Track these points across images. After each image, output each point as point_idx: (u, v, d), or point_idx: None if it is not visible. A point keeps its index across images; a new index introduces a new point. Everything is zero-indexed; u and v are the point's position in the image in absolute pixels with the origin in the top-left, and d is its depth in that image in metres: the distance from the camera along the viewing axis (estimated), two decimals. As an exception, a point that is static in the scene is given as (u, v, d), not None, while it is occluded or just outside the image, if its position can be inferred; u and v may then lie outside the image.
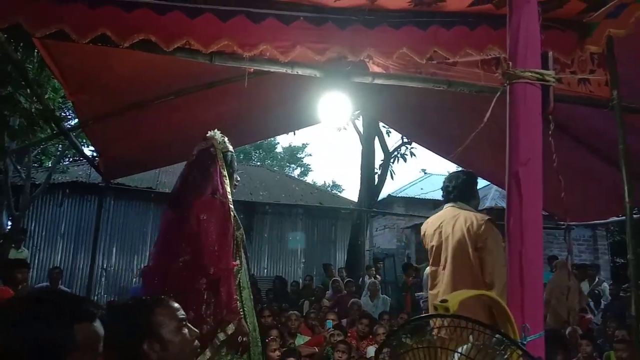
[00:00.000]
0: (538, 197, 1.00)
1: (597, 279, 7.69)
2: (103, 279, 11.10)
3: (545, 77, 1.03)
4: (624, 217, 4.00)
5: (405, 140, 10.16)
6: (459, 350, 0.78)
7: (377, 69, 3.31)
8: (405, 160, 10.49)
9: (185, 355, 1.43)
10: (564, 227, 9.33)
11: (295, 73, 3.06)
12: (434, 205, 13.25)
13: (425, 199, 14.95)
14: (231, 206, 2.48)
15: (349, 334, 5.56)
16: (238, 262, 2.45)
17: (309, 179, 31.57)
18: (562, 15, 3.31)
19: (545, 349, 1.55)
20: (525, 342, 0.88)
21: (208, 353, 2.14)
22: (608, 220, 7.66)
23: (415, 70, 3.40)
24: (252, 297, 2.51)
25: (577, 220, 8.72)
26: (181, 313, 1.50)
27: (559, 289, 6.62)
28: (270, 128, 6.22)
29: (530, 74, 1.03)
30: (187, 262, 2.29)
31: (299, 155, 32.51)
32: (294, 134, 10.86)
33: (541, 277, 0.97)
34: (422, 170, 22.10)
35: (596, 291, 7.41)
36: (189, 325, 1.50)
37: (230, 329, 2.18)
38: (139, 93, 4.40)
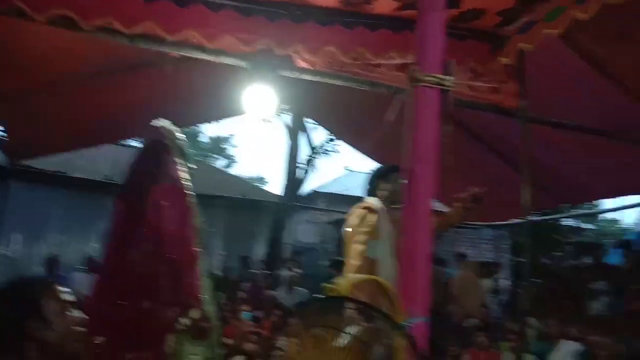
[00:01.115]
0: (429, 192, 1.09)
1: (497, 276, 8.30)
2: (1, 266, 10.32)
3: (445, 82, 1.13)
4: (523, 220, 4.39)
5: (331, 137, 10.36)
6: (349, 331, 0.84)
7: (304, 65, 3.36)
8: (329, 156, 10.70)
9: (68, 336, 1.45)
10: (471, 226, 9.99)
11: (222, 62, 3.03)
12: (356, 202, 13.55)
13: (347, 195, 15.28)
14: (190, 193, 2.46)
15: (264, 326, 5.59)
16: (199, 249, 2.42)
17: (233, 170, 31.13)
18: (478, 27, 3.54)
19: (445, 337, 1.68)
20: (410, 324, 0.96)
21: (172, 339, 2.14)
22: (510, 222, 8.26)
23: (340, 68, 3.48)
24: (211, 285, 2.47)
25: (483, 221, 9.36)
26: (67, 296, 1.51)
27: (466, 285, 7.08)
28: (193, 115, 6.08)
29: (431, 78, 1.12)
30: (147, 250, 2.27)
31: (224, 146, 31.95)
32: (218, 121, 10.67)
33: (429, 266, 1.06)
34: (346, 168, 22.55)
35: (497, 287, 8.00)
36: (75, 309, 1.51)
37: (195, 314, 2.19)
38: (55, 72, 4.14)
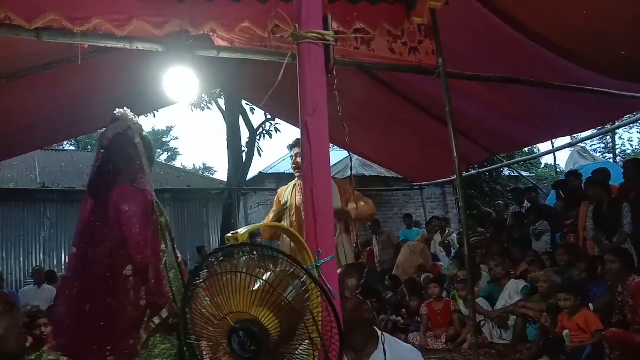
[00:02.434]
0: (325, 142, 1.16)
1: (447, 231, 8.65)
2: None
3: (326, 37, 1.18)
4: (464, 174, 4.57)
5: (269, 116, 10.31)
6: (263, 277, 0.89)
7: (222, 43, 3.33)
8: (270, 136, 10.65)
9: (10, 337, 1.46)
10: (417, 187, 10.33)
11: (135, 48, 2.96)
12: (303, 179, 13.63)
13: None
14: (152, 192, 2.38)
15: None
16: (163, 247, 2.37)
17: (177, 163, 30.46)
18: (389, -10, 3.62)
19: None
20: (319, 264, 1.03)
21: (143, 335, 2.14)
22: (452, 178, 8.59)
23: (261, 44, 3.47)
24: (180, 276, 2.43)
25: (428, 180, 9.70)
26: (9, 299, 1.51)
27: (410, 253, 7.44)
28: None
29: (312, 34, 1.17)
30: (112, 249, 2.22)
31: (164, 140, 31.14)
32: (154, 116, 10.38)
33: (330, 210, 1.13)
34: (288, 147, 22.50)
35: (447, 241, 8.34)
36: (18, 312, 1.51)
37: (164, 313, 2.19)
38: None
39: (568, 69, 4.72)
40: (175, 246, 2.47)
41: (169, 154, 31.66)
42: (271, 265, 0.92)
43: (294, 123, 8.06)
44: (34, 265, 9.73)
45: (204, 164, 33.80)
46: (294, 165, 3.54)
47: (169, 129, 31.76)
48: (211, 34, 3.26)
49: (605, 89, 4.91)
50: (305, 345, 0.91)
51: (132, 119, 2.46)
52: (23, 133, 5.44)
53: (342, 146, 8.00)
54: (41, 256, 10.86)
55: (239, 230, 0.95)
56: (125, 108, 2.50)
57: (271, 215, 3.49)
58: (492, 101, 5.66)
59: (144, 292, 2.19)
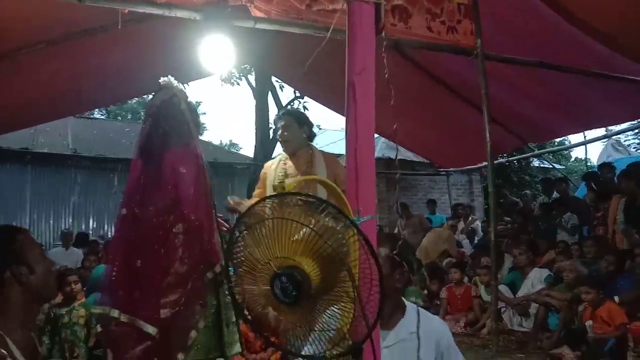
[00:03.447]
0: (370, 103, 1.16)
1: (470, 218, 8.59)
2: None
3: (378, -4, 1.18)
4: (495, 161, 4.50)
5: (298, 94, 10.29)
6: (310, 225, 0.91)
7: (259, 14, 3.33)
8: (299, 115, 10.64)
9: (50, 278, 1.52)
10: (444, 173, 10.22)
11: (174, 15, 2.99)
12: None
13: (320, 153, 15.30)
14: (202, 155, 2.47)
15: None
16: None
17: (204, 138, 30.74)
18: (431, -33, 3.56)
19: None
20: (359, 222, 1.04)
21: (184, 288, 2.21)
22: (480, 165, 8.48)
23: (297, 16, 3.46)
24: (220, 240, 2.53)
25: (455, 167, 9.59)
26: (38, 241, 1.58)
27: (436, 238, 7.39)
28: (154, 82, 5.98)
29: (364, -8, 1.17)
30: (162, 208, 2.30)
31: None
32: (184, 88, 10.47)
33: (372, 169, 1.14)
34: (317, 126, 22.51)
35: (470, 228, 8.29)
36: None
37: (217, 268, 2.29)
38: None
39: (608, 57, 4.58)
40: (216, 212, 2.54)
41: (197, 128, 31.89)
42: (313, 218, 0.93)
43: (323, 102, 8.04)
44: (63, 228, 10.05)
45: (230, 141, 34.02)
46: (280, 139, 3.39)
47: (197, 104, 31.95)
48: (248, 4, 3.27)
49: (645, 79, 4.76)
50: (344, 296, 0.93)
51: (176, 87, 2.54)
52: (58, 99, 5.56)
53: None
54: (70, 220, 11.19)
55: (286, 180, 0.97)
56: (170, 76, 2.57)
57: (257, 191, 3.37)
58: (526, 88, 5.54)
59: (193, 250, 2.26)
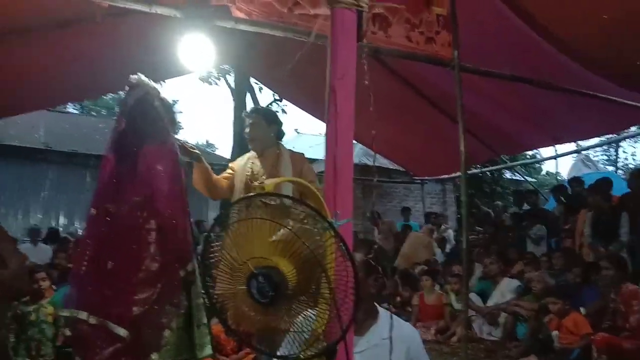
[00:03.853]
0: (350, 107, 1.17)
1: (442, 226, 8.71)
2: None
3: (360, 3, 1.19)
4: (468, 172, 4.57)
5: (277, 97, 10.29)
6: (288, 226, 0.91)
7: (240, 15, 3.31)
8: (277, 118, 10.62)
9: (23, 273, 1.49)
10: (418, 181, 10.34)
11: (154, 12, 2.96)
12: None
13: (297, 158, 15.29)
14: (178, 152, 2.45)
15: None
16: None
17: (180, 137, 30.40)
18: (412, -23, 3.60)
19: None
20: (337, 225, 1.04)
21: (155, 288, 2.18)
22: (454, 175, 8.61)
23: (279, 19, 3.45)
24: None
25: (430, 175, 9.71)
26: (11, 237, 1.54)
27: (418, 244, 7.46)
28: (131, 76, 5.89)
29: (347, -1, 1.18)
30: (135, 205, 2.27)
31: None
32: (161, 86, 10.34)
33: (350, 173, 1.15)
34: (295, 130, 22.55)
35: (442, 236, 8.40)
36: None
37: (190, 266, 2.27)
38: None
39: (580, 74, 4.71)
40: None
41: (172, 128, 31.57)
42: (292, 219, 0.93)
43: (302, 105, 8.05)
44: (32, 224, 9.79)
45: (206, 141, 33.81)
46: (247, 137, 3.34)
47: (174, 103, 31.60)
48: (230, 5, 3.25)
49: (615, 97, 4.91)
50: (320, 297, 0.93)
51: (148, 84, 2.50)
52: (31, 91, 5.42)
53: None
54: (40, 216, 10.90)
55: (265, 181, 0.97)
56: (139, 74, 2.52)
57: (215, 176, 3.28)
58: (500, 100, 5.65)
59: (166, 247, 2.24)
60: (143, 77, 2.49)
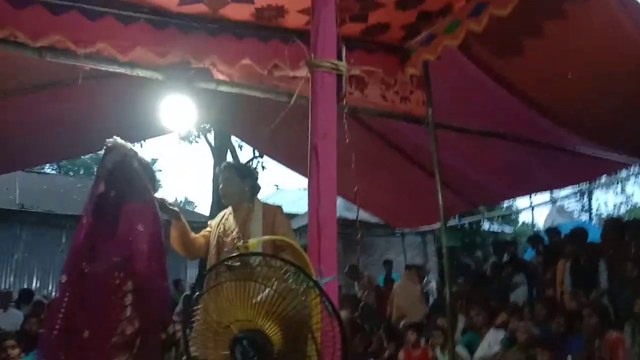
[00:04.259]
0: (333, 166, 1.21)
1: (425, 279, 8.68)
2: None
3: (339, 67, 1.25)
4: (448, 224, 4.64)
5: (257, 154, 10.38)
6: (272, 286, 0.91)
7: (221, 77, 3.41)
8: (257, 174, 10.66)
9: None
10: (399, 234, 10.39)
11: (136, 75, 3.03)
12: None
13: (277, 213, 15.24)
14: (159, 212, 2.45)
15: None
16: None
17: (159, 195, 30.16)
18: (386, 40, 3.78)
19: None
20: (322, 283, 1.05)
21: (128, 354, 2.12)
22: (433, 227, 8.69)
23: (259, 81, 3.57)
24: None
25: (410, 227, 9.76)
26: None
27: (407, 293, 7.35)
28: (110, 138, 5.90)
29: (327, 63, 1.24)
30: (113, 265, 2.23)
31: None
32: (141, 146, 10.37)
33: (334, 230, 1.16)
34: (275, 186, 22.63)
35: (425, 290, 8.35)
36: None
37: (171, 329, 2.23)
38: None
39: (549, 128, 4.91)
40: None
41: (151, 185, 31.40)
42: (276, 279, 0.93)
43: (282, 161, 8.13)
44: (2, 288, 9.42)
45: (185, 198, 33.57)
46: (221, 193, 3.34)
47: (153, 161, 31.65)
48: (211, 67, 3.35)
49: (583, 151, 5.10)
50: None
51: (125, 146, 2.53)
52: (7, 154, 5.39)
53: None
54: (11, 279, 10.52)
55: (249, 240, 0.97)
56: (115, 137, 2.57)
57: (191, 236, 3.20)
58: (475, 154, 5.82)
59: (143, 310, 2.19)
60: (119, 140, 2.53)
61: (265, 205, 3.26)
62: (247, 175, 3.30)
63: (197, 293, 0.99)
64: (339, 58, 1.28)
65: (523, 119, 4.81)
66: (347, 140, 1.34)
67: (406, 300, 7.25)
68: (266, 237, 1.00)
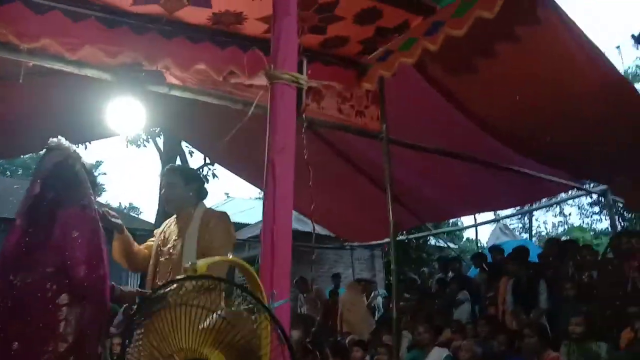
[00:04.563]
0: (289, 181, 1.16)
1: (372, 294, 8.71)
2: None
3: (300, 80, 1.21)
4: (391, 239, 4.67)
5: (208, 161, 10.17)
6: (217, 312, 0.84)
7: (174, 81, 3.31)
8: (207, 181, 10.45)
9: None
10: (348, 247, 10.41)
11: (84, 75, 2.88)
12: (236, 228, 13.41)
13: (226, 222, 14.98)
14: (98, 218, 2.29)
15: None
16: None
17: (102, 199, 29.11)
18: (343, 54, 3.80)
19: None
20: (274, 307, 0.99)
21: None
22: (383, 242, 8.77)
23: (214, 87, 3.49)
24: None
25: (359, 241, 9.81)
26: None
27: (351, 304, 7.34)
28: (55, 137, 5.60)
29: (287, 76, 1.20)
30: (46, 275, 2.06)
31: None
32: (85, 147, 9.92)
33: (289, 249, 1.11)
34: (225, 194, 22.30)
35: (372, 305, 8.38)
36: None
37: (108, 343, 2.07)
38: None
39: (498, 149, 5.08)
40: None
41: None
42: (224, 303, 0.87)
43: (233, 170, 7.99)
44: None
45: (130, 204, 32.51)
46: (162, 198, 3.12)
47: (98, 164, 30.50)
48: (164, 70, 3.24)
49: (528, 171, 5.31)
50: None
51: (68, 147, 2.39)
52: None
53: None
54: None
55: (198, 262, 0.91)
56: (59, 137, 2.42)
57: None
58: (425, 171, 5.93)
59: (79, 325, 2.04)
60: (63, 141, 2.38)
61: (208, 211, 2.99)
62: (192, 180, 3.03)
63: (137, 316, 0.91)
64: (299, 70, 1.24)
65: (473, 138, 4.95)
66: (305, 156, 1.30)
67: (356, 315, 7.26)
68: (217, 258, 0.93)
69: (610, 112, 4.07)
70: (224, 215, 2.99)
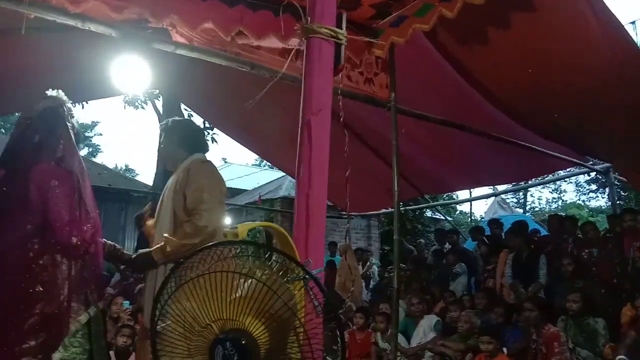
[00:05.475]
0: (326, 145, 1.10)
1: (368, 263, 8.76)
2: None
3: (339, 35, 1.13)
4: (392, 210, 4.62)
5: (207, 125, 10.00)
6: (256, 276, 0.79)
7: (180, 40, 3.18)
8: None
9: None
10: (345, 216, 10.40)
11: (87, 29, 2.75)
12: (233, 194, 13.38)
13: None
14: (82, 176, 2.20)
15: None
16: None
17: (98, 160, 28.94)
18: (354, 18, 3.66)
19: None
20: (311, 271, 0.95)
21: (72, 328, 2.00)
22: (380, 212, 8.76)
23: (220, 47, 3.37)
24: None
25: (356, 211, 9.80)
26: None
27: (348, 270, 7.34)
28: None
29: (325, 30, 1.12)
30: (30, 233, 1.99)
31: (87, 134, 29.55)
32: (82, 107, 9.71)
33: (324, 218, 1.06)
34: (222, 159, 22.18)
35: (368, 273, 8.44)
36: None
37: (92, 310, 2.07)
38: None
39: (504, 122, 5.00)
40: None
41: (90, 149, 30.11)
42: (260, 269, 0.82)
43: (233, 135, 7.88)
44: None
45: (126, 165, 32.31)
46: (158, 154, 2.90)
47: (94, 124, 30.22)
48: (170, 28, 3.11)
49: (532, 145, 5.24)
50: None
51: (65, 100, 2.32)
52: None
53: (278, 165, 7.91)
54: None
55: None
56: (59, 90, 2.34)
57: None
58: (428, 142, 5.85)
59: (65, 286, 1.99)
60: (61, 93, 2.31)
61: (194, 161, 2.63)
62: (187, 133, 2.74)
63: (165, 291, 0.85)
64: (338, 25, 1.15)
65: (479, 110, 4.87)
66: (341, 119, 1.23)
67: (356, 282, 7.28)
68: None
69: (622, 88, 4.00)
70: (209, 164, 2.71)
